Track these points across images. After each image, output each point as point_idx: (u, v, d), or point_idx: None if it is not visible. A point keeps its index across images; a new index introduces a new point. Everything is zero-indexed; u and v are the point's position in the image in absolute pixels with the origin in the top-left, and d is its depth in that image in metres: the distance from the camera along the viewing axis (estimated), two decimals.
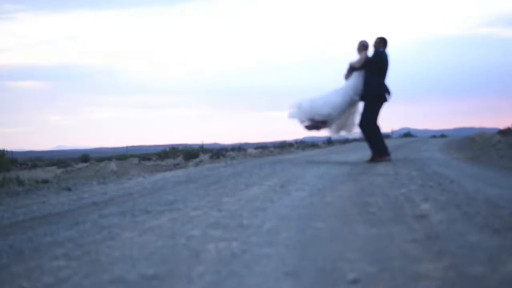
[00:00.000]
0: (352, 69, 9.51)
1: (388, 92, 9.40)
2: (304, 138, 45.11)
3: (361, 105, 9.66)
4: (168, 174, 9.81)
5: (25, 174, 17.93)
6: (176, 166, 20.95)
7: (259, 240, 3.00)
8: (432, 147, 16.95)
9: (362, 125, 9.51)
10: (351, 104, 9.64)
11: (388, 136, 42.09)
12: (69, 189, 7.52)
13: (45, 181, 12.94)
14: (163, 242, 3.07)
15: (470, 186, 5.01)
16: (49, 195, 6.95)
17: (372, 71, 9.37)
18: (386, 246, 2.71)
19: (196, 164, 16.74)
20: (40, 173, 22.35)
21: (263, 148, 34.77)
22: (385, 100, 9.39)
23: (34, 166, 36.91)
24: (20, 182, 10.97)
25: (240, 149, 38.47)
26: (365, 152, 11.72)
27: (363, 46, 9.54)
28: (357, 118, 9.70)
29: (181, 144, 51.06)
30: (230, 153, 30.22)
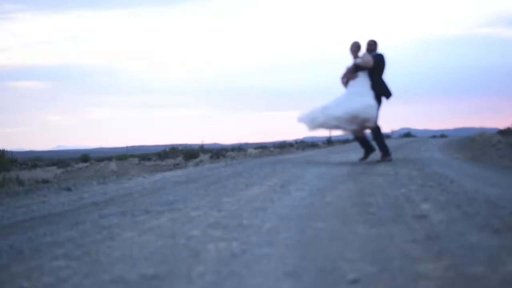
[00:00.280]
0: (357, 68, 9.41)
1: (391, 93, 9.45)
2: (304, 138, 45.13)
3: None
4: (168, 174, 9.81)
5: (25, 174, 17.93)
6: (176, 166, 20.95)
7: (259, 240, 3.00)
8: (432, 147, 16.96)
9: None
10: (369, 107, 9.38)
11: (388, 136, 42.11)
12: (69, 189, 7.52)
13: (45, 181, 12.94)
14: (163, 242, 3.07)
15: (470, 186, 5.01)
16: (49, 195, 6.95)
17: (377, 72, 9.38)
18: (386, 246, 2.71)
19: (196, 164, 16.74)
20: (40, 173, 22.35)
21: (263, 148, 34.76)
22: (388, 100, 9.47)
23: (34, 166, 36.89)
24: (20, 182, 10.97)
25: (240, 149, 38.47)
26: None
27: (358, 47, 9.52)
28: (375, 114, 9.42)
29: (181, 144, 51.03)
30: (230, 153, 30.22)
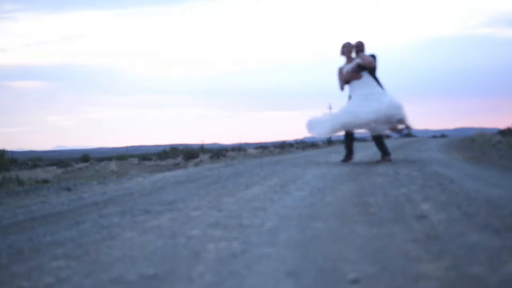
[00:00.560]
0: (361, 68, 9.33)
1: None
2: (304, 138, 45.12)
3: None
4: (168, 174, 9.80)
5: (25, 174, 17.92)
6: (176, 166, 20.94)
7: (259, 240, 3.00)
8: (432, 147, 16.95)
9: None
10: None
11: (388, 136, 42.07)
12: (69, 189, 7.51)
13: (45, 181, 12.93)
14: (163, 242, 3.06)
15: (470, 186, 5.01)
16: (49, 195, 6.95)
17: (374, 72, 9.38)
18: (387, 246, 2.71)
19: (196, 164, 16.74)
20: (40, 173, 22.34)
21: (263, 148, 34.76)
22: None
23: (34, 166, 36.88)
24: (20, 182, 10.97)
25: (240, 149, 38.47)
26: (365, 152, 11.75)
27: (352, 48, 9.46)
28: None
29: (181, 144, 51.06)
30: (230, 153, 30.22)
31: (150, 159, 40.80)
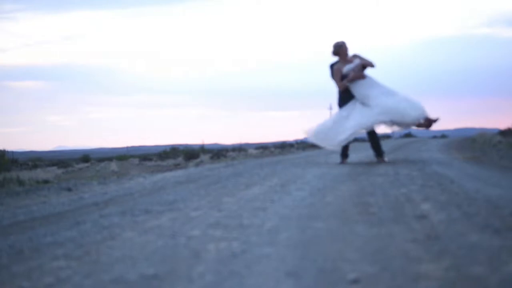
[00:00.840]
0: (363, 68, 9.26)
1: None
2: (305, 138, 45.09)
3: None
4: (168, 174, 9.81)
5: (25, 174, 17.92)
6: (177, 166, 20.95)
7: (260, 240, 3.00)
8: (433, 147, 16.95)
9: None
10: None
11: (388, 136, 42.07)
12: (69, 189, 7.52)
13: (46, 181, 12.94)
14: (163, 242, 3.07)
15: (470, 186, 5.01)
16: (50, 195, 6.95)
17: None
18: (387, 246, 2.71)
19: (197, 165, 16.74)
20: (41, 173, 22.35)
21: (263, 149, 34.76)
22: None
23: (35, 166, 36.90)
24: (20, 182, 10.98)
25: (240, 149, 38.48)
26: (366, 152, 11.73)
27: (347, 48, 9.40)
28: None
29: (181, 144, 51.08)
30: (231, 153, 30.22)
31: (150, 160, 40.83)
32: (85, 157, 52.39)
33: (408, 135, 46.58)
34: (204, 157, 27.50)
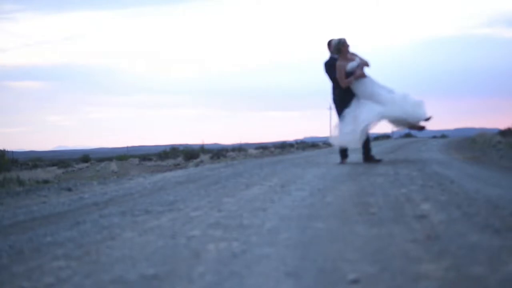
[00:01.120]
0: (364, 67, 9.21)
1: None
2: (304, 138, 45.11)
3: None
4: (168, 174, 9.81)
5: (25, 174, 17.93)
6: (177, 166, 20.95)
7: (260, 240, 3.00)
8: (433, 147, 16.95)
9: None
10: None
11: (388, 136, 42.09)
12: (69, 189, 7.52)
13: (46, 181, 12.95)
14: (163, 242, 3.07)
15: (470, 186, 5.01)
16: (50, 195, 6.95)
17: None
18: (387, 246, 2.71)
19: (197, 165, 16.75)
20: (41, 173, 22.37)
21: (263, 149, 34.77)
22: None
23: (35, 166, 36.91)
24: (20, 182, 10.98)
25: (240, 149, 38.49)
26: None
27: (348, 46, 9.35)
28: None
29: (181, 144, 51.05)
30: (231, 153, 30.23)
31: (150, 160, 40.83)
32: (85, 157, 52.35)
33: (408, 135, 46.53)
34: (204, 157, 27.52)
